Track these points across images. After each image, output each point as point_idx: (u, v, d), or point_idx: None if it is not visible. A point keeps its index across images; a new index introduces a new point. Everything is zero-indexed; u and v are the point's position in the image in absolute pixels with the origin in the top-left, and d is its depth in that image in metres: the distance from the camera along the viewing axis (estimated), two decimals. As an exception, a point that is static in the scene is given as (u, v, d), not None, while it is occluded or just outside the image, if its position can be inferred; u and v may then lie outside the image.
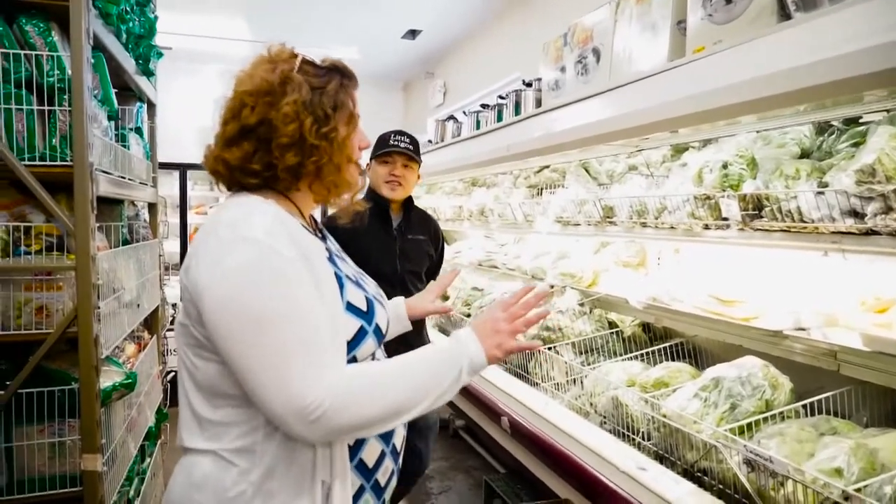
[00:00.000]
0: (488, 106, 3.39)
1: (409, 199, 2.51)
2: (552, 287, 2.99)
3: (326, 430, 0.93)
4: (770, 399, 1.65)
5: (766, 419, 1.62)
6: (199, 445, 1.03)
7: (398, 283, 2.35)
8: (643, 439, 1.87)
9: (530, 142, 2.65)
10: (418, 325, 2.33)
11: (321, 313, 0.98)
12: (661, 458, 1.79)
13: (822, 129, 2.08)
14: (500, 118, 3.27)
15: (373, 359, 1.15)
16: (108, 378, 1.89)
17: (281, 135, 1.04)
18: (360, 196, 1.34)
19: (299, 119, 1.05)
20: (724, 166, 1.95)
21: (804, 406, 1.67)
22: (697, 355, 2.36)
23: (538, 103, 2.89)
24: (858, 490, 1.26)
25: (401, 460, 1.23)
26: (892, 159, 1.44)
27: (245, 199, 1.07)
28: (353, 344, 1.07)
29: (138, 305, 2.39)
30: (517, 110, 3.05)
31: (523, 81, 3.10)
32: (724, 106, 1.71)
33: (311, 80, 1.08)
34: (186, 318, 1.03)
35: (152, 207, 3.05)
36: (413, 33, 6.05)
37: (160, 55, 2.94)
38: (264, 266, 0.94)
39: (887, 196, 1.48)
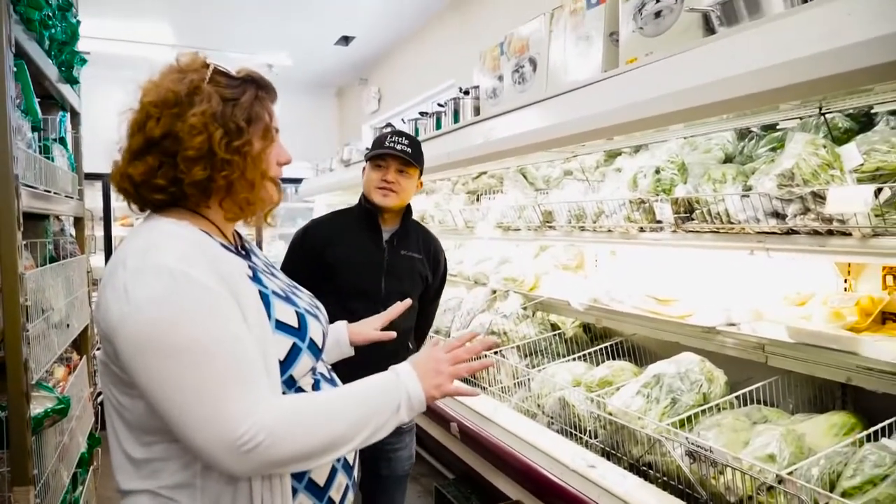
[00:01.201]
0: (427, 113, 3.42)
1: (408, 210, 2.18)
2: (495, 292, 3.04)
3: (259, 464, 0.90)
4: (707, 392, 1.74)
5: (703, 411, 1.71)
6: (135, 486, 0.98)
7: (381, 303, 1.96)
8: (590, 437, 1.93)
9: (470, 149, 2.69)
10: (404, 343, 2.14)
11: (246, 341, 0.94)
12: (608, 455, 1.86)
13: (743, 134, 2.21)
14: (438, 126, 3.30)
15: (314, 374, 1.12)
16: (40, 404, 1.79)
17: (187, 147, 0.99)
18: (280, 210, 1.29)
19: (207, 131, 0.99)
20: (657, 171, 2.04)
21: (737, 397, 1.77)
22: (637, 353, 2.45)
23: (476, 111, 2.94)
24: (790, 473, 1.35)
25: (356, 473, 1.21)
26: (808, 164, 1.56)
27: (155, 224, 1.01)
28: (287, 363, 1.03)
29: (68, 326, 2.27)
30: (456, 118, 3.09)
31: (460, 89, 3.14)
32: (656, 115, 1.79)
33: (222, 91, 1.03)
34: (105, 356, 0.97)
35: (79, 221, 2.90)
36: (346, 39, 6.03)
37: (84, 62, 2.81)
38: (179, 296, 0.89)
39: (805, 198, 1.60)
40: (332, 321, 1.92)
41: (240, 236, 1.18)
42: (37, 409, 1.75)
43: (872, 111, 1.81)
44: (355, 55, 6.47)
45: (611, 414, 1.81)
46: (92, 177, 4.98)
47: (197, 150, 0.99)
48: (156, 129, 1.00)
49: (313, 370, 1.12)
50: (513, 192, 3.08)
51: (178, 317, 0.88)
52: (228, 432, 0.87)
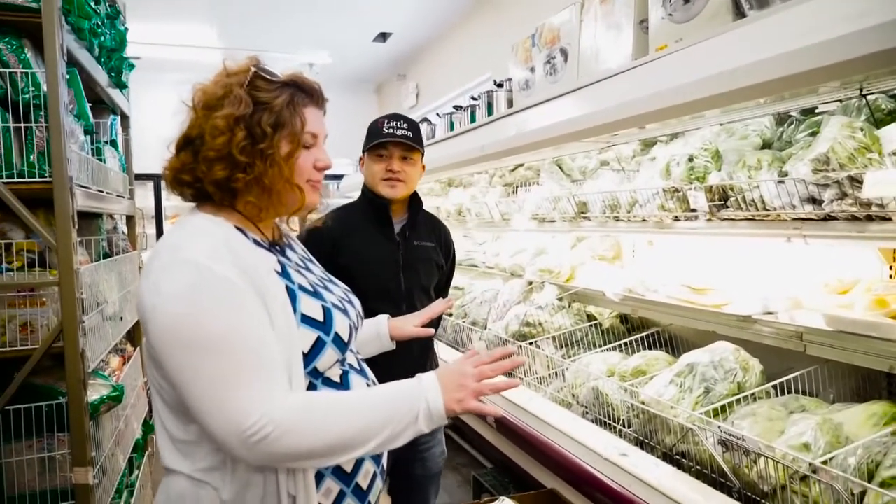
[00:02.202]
0: (461, 107, 3.45)
1: (416, 197, 2.07)
2: (530, 284, 3.05)
3: (267, 455, 0.94)
4: (742, 381, 1.72)
5: (738, 401, 1.69)
6: (175, 466, 1.04)
7: (404, 301, 1.97)
8: (624, 427, 1.94)
9: (504, 142, 2.71)
10: (427, 343, 2.12)
11: (266, 335, 0.98)
12: (641, 444, 1.86)
13: (782, 119, 2.16)
14: (473, 119, 3.33)
15: (342, 365, 1.16)
16: (96, 391, 1.90)
17: (209, 147, 1.04)
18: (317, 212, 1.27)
19: (231, 132, 1.03)
20: (690, 159, 2.02)
21: (774, 387, 1.74)
22: (673, 343, 2.43)
23: (510, 103, 2.95)
24: (825, 462, 1.34)
25: (384, 461, 1.23)
26: (844, 148, 1.52)
27: (191, 219, 1.07)
28: (311, 355, 1.07)
29: (121, 318, 2.40)
30: (489, 111, 3.10)
31: (495, 82, 3.16)
32: (688, 101, 1.77)
33: (257, 95, 1.07)
34: (147, 341, 1.04)
35: (130, 220, 3.05)
36: (384, 36, 6.09)
37: (132, 67, 2.94)
38: (203, 291, 0.94)
39: (841, 183, 1.56)
40: None
41: (279, 230, 1.23)
42: (93, 395, 1.86)
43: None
44: (393, 51, 6.54)
45: (643, 403, 1.81)
46: (142, 177, 5.20)
47: (217, 151, 1.04)
48: (193, 129, 1.08)
49: (342, 361, 1.16)
50: (549, 183, 3.07)
51: (201, 311, 0.94)
52: (238, 422, 0.92)
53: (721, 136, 2.19)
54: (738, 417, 1.63)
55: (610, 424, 2.00)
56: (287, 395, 0.98)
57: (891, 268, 1.92)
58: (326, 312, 1.12)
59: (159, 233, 6.15)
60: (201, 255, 0.97)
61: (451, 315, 3.42)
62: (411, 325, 1.61)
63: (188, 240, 1.01)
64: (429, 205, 4.47)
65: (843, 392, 1.84)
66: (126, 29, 2.80)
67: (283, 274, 1.11)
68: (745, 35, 1.57)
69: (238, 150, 1.04)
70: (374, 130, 1.99)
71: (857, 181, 1.53)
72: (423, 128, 4.30)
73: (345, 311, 1.19)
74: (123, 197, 2.73)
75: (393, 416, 1.01)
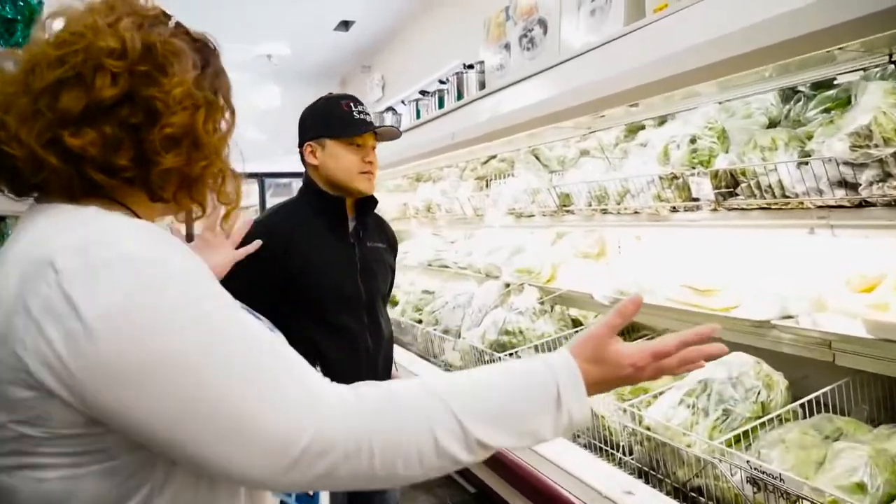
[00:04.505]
0: (428, 93, 3.14)
1: (370, 195, 1.84)
2: (508, 286, 2.76)
3: (322, 478, 0.66)
4: (766, 401, 1.45)
5: (762, 424, 1.42)
6: None
7: (365, 309, 1.72)
8: (624, 454, 1.65)
9: (476, 127, 2.42)
10: (388, 352, 1.83)
11: (264, 330, 0.71)
12: (646, 475, 1.57)
13: (788, 96, 1.91)
14: (441, 105, 3.02)
15: None
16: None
17: (165, 124, 0.72)
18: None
19: (192, 106, 0.75)
20: (692, 141, 1.75)
21: (802, 405, 1.48)
22: (671, 350, 2.16)
23: (482, 86, 2.66)
24: (887, 508, 1.07)
25: None
26: (890, 119, 1.26)
27: (78, 215, 0.71)
28: None
29: None
30: (459, 95, 2.80)
31: (464, 65, 2.86)
32: (693, 69, 1.50)
33: (194, 55, 0.79)
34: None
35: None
36: (346, 24, 5.74)
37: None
38: (159, 290, 0.63)
39: (885, 161, 1.29)
40: (316, 344, 1.61)
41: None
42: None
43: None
44: (356, 41, 6.19)
45: (649, 429, 1.53)
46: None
47: (181, 129, 0.74)
48: (110, 90, 0.70)
49: None
50: (525, 175, 2.79)
51: (167, 319, 0.62)
52: (282, 450, 0.63)
53: (721, 116, 1.93)
54: (764, 446, 1.35)
55: (607, 451, 1.71)
56: (343, 394, 0.70)
57: (922, 261, 1.68)
58: None
59: None
60: (138, 246, 0.66)
61: (420, 322, 3.11)
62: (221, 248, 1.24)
63: (104, 234, 0.66)
64: (396, 201, 4.17)
65: (873, 407, 1.59)
66: (40, 2, 2.42)
67: None
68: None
69: (203, 129, 0.76)
70: (342, 115, 1.69)
71: (905, 159, 1.26)
72: (389, 117, 3.98)
73: None
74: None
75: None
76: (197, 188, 0.79)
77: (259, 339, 0.68)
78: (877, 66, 1.52)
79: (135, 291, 0.62)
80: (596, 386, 0.78)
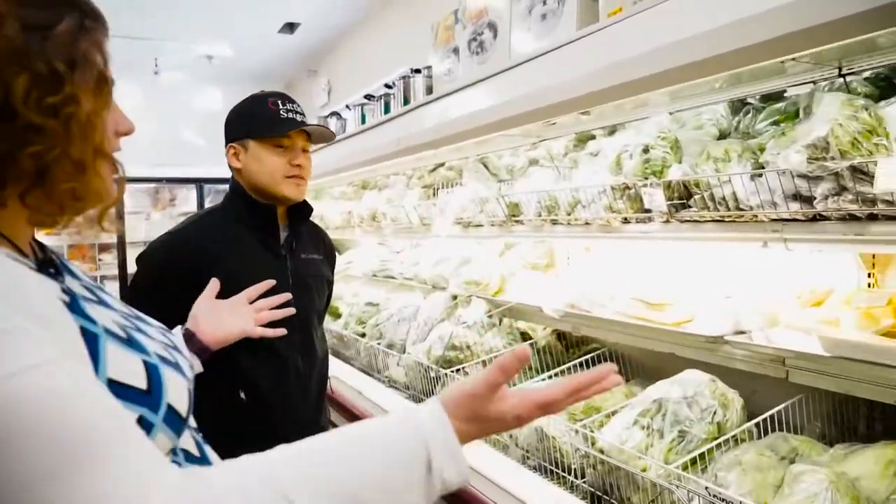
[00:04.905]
0: (373, 97, 3.03)
1: (303, 201, 1.68)
2: (455, 298, 2.67)
3: None
4: (722, 421, 1.40)
5: (718, 445, 1.37)
6: None
7: (299, 330, 1.56)
8: (576, 477, 1.57)
9: (424, 133, 2.32)
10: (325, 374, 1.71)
11: (106, 398, 0.59)
12: (598, 500, 1.50)
13: (737, 108, 1.90)
14: (387, 110, 2.92)
15: (173, 455, 0.71)
16: None
17: None
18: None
19: (3, 77, 0.60)
20: (646, 150, 1.70)
21: (757, 425, 1.43)
22: (621, 364, 2.11)
23: (429, 91, 2.57)
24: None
25: None
26: (847, 131, 1.22)
27: None
28: None
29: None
30: (406, 100, 2.70)
31: (411, 69, 2.76)
32: (647, 76, 1.45)
33: (24, 14, 0.62)
34: None
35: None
36: (291, 27, 5.58)
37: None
38: None
39: (841, 174, 1.26)
40: (242, 369, 1.45)
41: (41, 246, 0.75)
42: None
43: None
44: (302, 44, 6.02)
45: (602, 451, 1.45)
46: None
47: None
48: None
49: (173, 450, 0.71)
50: (473, 183, 2.71)
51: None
52: None
53: (673, 126, 1.90)
54: (721, 468, 1.29)
55: (558, 474, 1.63)
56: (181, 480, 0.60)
57: (870, 274, 1.67)
58: (151, 371, 0.69)
59: None
60: None
61: (363, 336, 2.97)
62: (242, 316, 1.24)
63: None
64: (340, 209, 4.02)
65: (825, 425, 1.56)
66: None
67: (74, 308, 0.66)
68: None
69: (23, 104, 0.60)
70: (267, 113, 1.55)
71: (861, 172, 1.23)
72: (333, 123, 3.84)
73: (176, 366, 0.75)
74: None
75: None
76: (47, 185, 0.63)
77: (102, 425, 0.56)
78: (826, 80, 1.51)
79: None
80: (472, 439, 0.73)
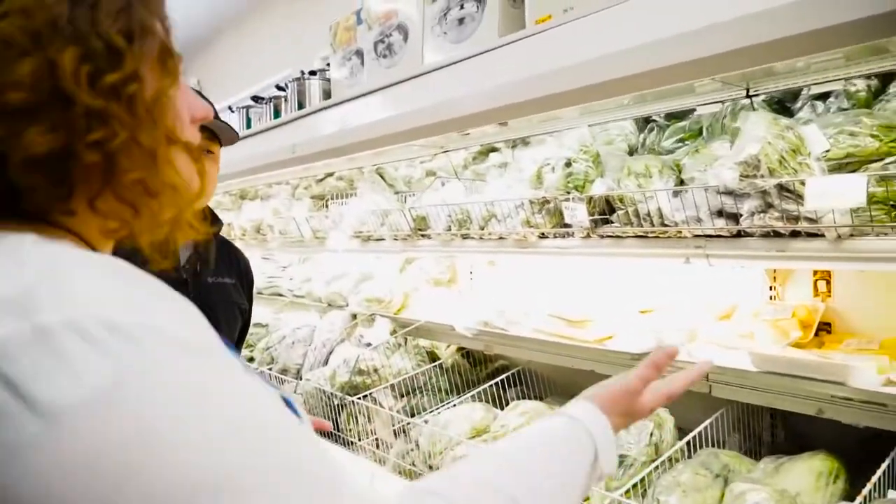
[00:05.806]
0: (262, 99, 2.79)
1: (211, 214, 1.53)
2: (355, 317, 2.50)
3: None
4: (658, 442, 1.37)
5: (656, 467, 1.33)
6: None
7: None
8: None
9: (324, 140, 2.14)
10: None
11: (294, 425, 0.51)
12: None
13: (642, 125, 1.94)
14: (277, 114, 2.69)
15: None
16: None
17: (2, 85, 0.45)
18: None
19: (43, 50, 0.46)
20: (568, 164, 1.66)
21: (687, 443, 1.42)
22: (537, 384, 2.07)
23: (327, 95, 2.39)
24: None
25: None
26: (775, 150, 1.24)
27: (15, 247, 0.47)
28: None
29: None
30: (300, 105, 2.50)
31: (306, 71, 2.57)
32: (576, 89, 1.41)
33: None
34: None
35: None
36: (155, 20, 5.08)
37: None
38: (151, 377, 0.41)
39: (768, 192, 1.29)
40: None
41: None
42: None
43: (803, 93, 1.58)
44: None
45: (540, 482, 1.37)
46: None
47: (28, 91, 0.46)
48: None
49: None
50: (370, 195, 2.57)
51: (168, 420, 0.40)
52: None
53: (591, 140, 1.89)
54: (662, 492, 1.26)
55: None
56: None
57: (771, 287, 1.75)
58: (289, 406, 0.58)
59: None
60: (114, 308, 0.43)
61: (253, 360, 2.71)
62: None
63: (57, 284, 0.43)
64: (217, 221, 3.69)
65: (742, 437, 1.60)
66: None
67: None
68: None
69: (75, 84, 0.47)
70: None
71: (786, 190, 1.26)
72: (210, 126, 3.51)
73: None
74: None
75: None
76: (114, 182, 0.50)
77: (303, 438, 0.48)
78: (734, 98, 1.55)
79: (124, 376, 0.39)
80: (619, 431, 0.79)
